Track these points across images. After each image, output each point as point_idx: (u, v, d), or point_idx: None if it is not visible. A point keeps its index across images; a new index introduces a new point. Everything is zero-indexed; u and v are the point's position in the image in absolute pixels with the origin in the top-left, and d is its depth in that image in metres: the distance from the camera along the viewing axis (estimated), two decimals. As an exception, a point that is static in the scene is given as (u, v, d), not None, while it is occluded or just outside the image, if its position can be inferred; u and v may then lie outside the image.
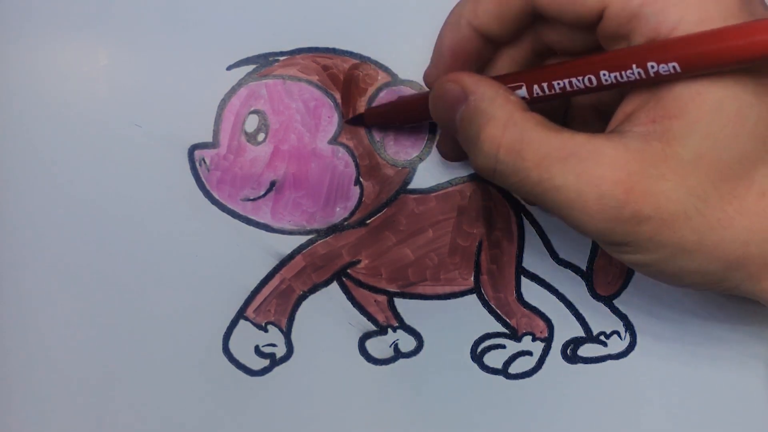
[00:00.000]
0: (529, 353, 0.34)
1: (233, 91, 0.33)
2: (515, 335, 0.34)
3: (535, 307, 0.34)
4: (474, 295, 0.34)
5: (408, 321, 0.34)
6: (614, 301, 0.34)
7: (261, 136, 0.33)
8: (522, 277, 0.34)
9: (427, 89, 0.31)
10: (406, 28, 0.33)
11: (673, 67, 0.22)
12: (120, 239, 0.33)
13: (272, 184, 0.33)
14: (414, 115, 0.31)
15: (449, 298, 0.34)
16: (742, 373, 0.34)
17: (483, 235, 0.34)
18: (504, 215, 0.33)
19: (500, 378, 0.34)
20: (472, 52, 0.28)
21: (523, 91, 0.25)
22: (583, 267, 0.34)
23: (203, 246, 0.33)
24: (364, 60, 0.33)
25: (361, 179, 0.33)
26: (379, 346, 0.34)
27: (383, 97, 0.33)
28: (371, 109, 0.33)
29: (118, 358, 0.34)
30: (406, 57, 0.33)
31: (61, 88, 0.33)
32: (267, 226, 0.33)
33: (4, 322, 0.34)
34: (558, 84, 0.24)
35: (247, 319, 0.34)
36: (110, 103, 0.33)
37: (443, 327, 0.34)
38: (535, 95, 0.25)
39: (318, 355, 0.34)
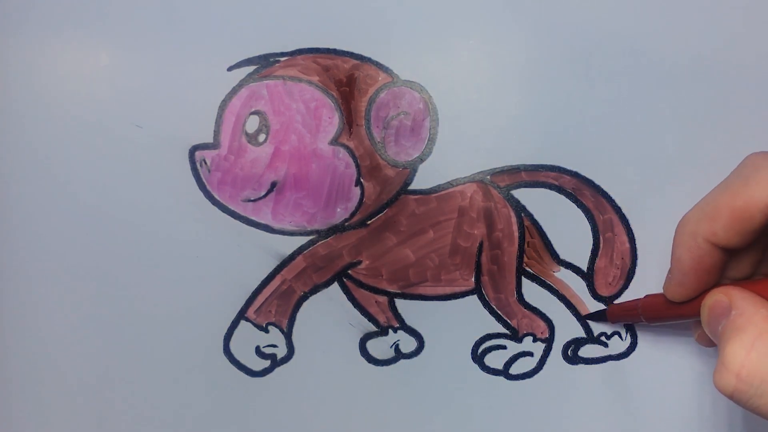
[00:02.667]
0: (530, 354, 0.34)
1: (234, 91, 0.33)
2: (516, 336, 0.34)
3: (535, 308, 0.34)
4: (475, 296, 0.34)
5: (409, 322, 0.34)
6: (615, 302, 0.34)
7: (262, 137, 0.33)
8: (523, 277, 0.34)
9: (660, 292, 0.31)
10: (406, 28, 0.33)
11: None
12: (120, 240, 0.33)
13: (273, 184, 0.33)
14: (659, 317, 0.31)
15: (450, 299, 0.34)
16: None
17: (484, 236, 0.34)
18: (504, 216, 0.33)
19: (501, 379, 0.34)
20: (713, 263, 0.28)
21: None
22: (584, 268, 0.34)
23: (204, 247, 0.33)
24: (365, 60, 0.33)
25: (361, 180, 0.33)
26: (379, 347, 0.34)
27: (384, 99, 0.33)
28: (614, 307, 0.33)
29: (119, 358, 0.34)
30: (407, 57, 0.33)
31: (62, 88, 0.33)
32: (268, 227, 0.33)
33: (4, 322, 0.34)
34: None
35: (247, 319, 0.34)
36: (111, 103, 0.33)
37: (444, 328, 0.34)
38: None
39: (319, 355, 0.34)
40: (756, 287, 0.26)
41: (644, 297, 0.32)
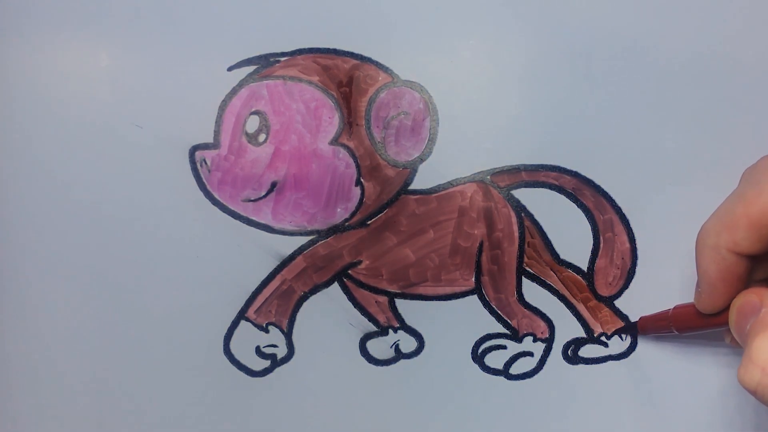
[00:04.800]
0: (530, 354, 0.34)
1: (234, 91, 0.33)
2: (516, 336, 0.34)
3: (535, 308, 0.34)
4: (475, 296, 0.34)
5: (409, 322, 0.34)
6: (615, 302, 0.34)
7: (262, 137, 0.33)
8: (523, 277, 0.34)
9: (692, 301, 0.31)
10: (406, 28, 0.33)
11: None
12: (121, 240, 0.33)
13: (273, 184, 0.33)
14: (690, 327, 0.31)
15: (450, 299, 0.34)
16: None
17: (484, 236, 0.34)
18: (505, 216, 0.33)
19: (501, 379, 0.34)
20: (740, 271, 0.28)
21: None
22: (584, 267, 0.34)
23: (204, 247, 0.33)
24: (365, 60, 0.33)
25: (362, 180, 0.33)
26: (380, 347, 0.34)
27: (384, 99, 0.33)
28: (644, 319, 0.33)
29: (119, 358, 0.34)
30: (407, 57, 0.33)
31: (62, 88, 0.33)
32: (268, 227, 0.33)
33: (4, 322, 0.34)
34: None
35: (248, 319, 0.34)
36: (111, 103, 0.33)
37: (444, 328, 0.34)
38: None
39: (319, 355, 0.34)
40: None
41: (674, 308, 0.32)
